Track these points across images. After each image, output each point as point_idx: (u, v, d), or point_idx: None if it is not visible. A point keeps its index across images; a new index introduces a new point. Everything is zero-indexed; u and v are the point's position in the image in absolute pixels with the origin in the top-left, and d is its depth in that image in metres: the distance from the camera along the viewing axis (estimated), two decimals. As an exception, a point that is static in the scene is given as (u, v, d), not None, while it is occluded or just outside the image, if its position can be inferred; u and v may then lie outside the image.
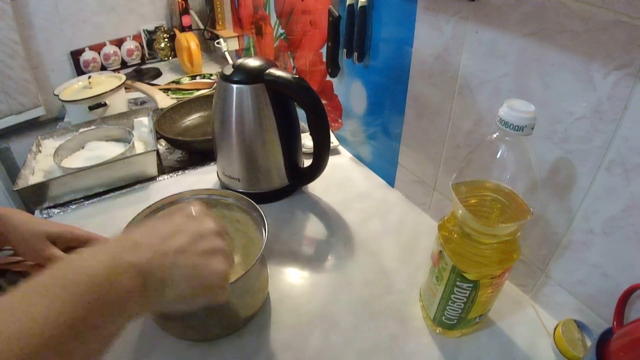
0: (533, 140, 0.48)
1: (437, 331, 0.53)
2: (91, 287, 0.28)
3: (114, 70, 1.41)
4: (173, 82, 1.30)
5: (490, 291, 0.46)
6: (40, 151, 0.88)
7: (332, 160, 0.76)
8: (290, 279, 0.62)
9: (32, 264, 0.52)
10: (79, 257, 0.31)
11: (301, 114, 0.69)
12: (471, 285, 0.45)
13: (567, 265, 0.51)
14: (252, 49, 1.27)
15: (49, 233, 0.50)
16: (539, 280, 0.55)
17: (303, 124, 0.78)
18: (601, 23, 0.38)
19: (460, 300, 0.47)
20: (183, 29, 1.47)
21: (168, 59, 1.54)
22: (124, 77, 1.08)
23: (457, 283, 0.45)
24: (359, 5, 0.69)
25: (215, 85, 1.24)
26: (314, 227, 0.72)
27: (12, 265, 0.52)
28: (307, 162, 0.75)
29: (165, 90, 1.23)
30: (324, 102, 0.88)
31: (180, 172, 0.87)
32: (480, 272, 0.44)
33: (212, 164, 0.89)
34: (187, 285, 0.34)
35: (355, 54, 0.74)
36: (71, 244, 0.53)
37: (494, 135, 0.40)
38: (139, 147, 0.88)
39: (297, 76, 0.65)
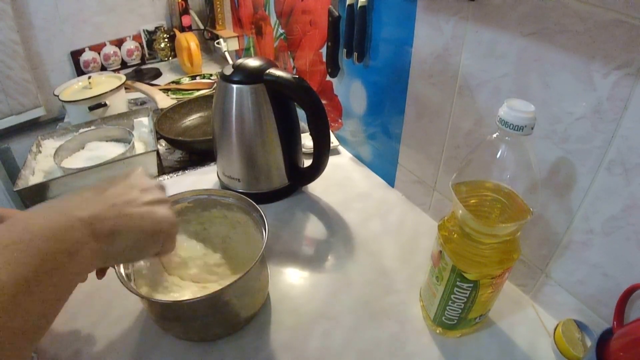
0: (533, 140, 0.48)
1: (437, 331, 0.53)
2: (40, 242, 0.29)
3: (114, 71, 1.41)
4: (173, 82, 1.30)
5: (490, 291, 0.46)
6: (40, 151, 0.88)
7: (332, 160, 0.76)
8: (291, 279, 0.62)
9: None
10: (27, 214, 0.33)
11: (301, 114, 0.69)
12: (471, 285, 0.45)
13: (567, 265, 0.51)
14: (252, 49, 1.27)
15: None
16: (539, 280, 0.55)
17: (303, 124, 0.78)
18: (601, 23, 0.38)
19: (460, 300, 0.47)
20: (183, 29, 1.47)
21: (168, 59, 1.54)
22: (124, 78, 1.08)
23: (457, 283, 0.45)
24: (359, 5, 0.69)
25: (215, 85, 1.24)
26: (314, 227, 0.72)
27: None
28: (307, 162, 0.75)
29: (165, 90, 1.23)
30: (323, 102, 0.88)
31: (180, 172, 0.87)
32: (480, 272, 0.44)
33: (212, 164, 0.89)
34: (136, 232, 0.36)
35: (355, 54, 0.74)
36: None
37: (494, 135, 0.40)
38: (139, 148, 0.88)
39: (297, 76, 0.65)
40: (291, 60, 1.04)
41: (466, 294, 0.46)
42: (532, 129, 0.37)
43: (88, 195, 0.37)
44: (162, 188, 0.42)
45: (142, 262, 0.54)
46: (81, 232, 0.32)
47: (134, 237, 0.36)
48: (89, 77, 1.06)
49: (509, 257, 0.44)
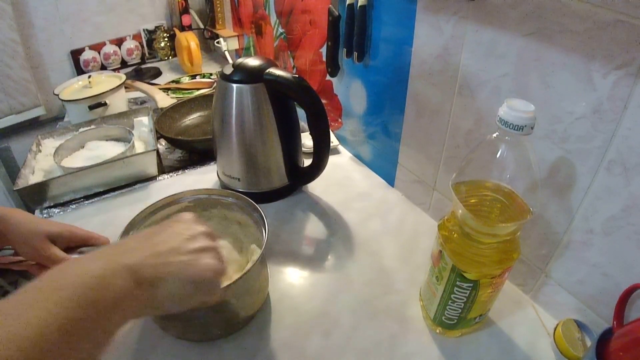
0: (533, 140, 0.48)
1: (437, 331, 0.53)
2: (85, 289, 0.29)
3: (114, 70, 1.41)
4: (173, 81, 1.30)
5: (490, 291, 0.46)
6: (40, 151, 0.88)
7: (332, 159, 0.76)
8: (290, 279, 0.62)
9: (33, 264, 0.52)
10: (75, 261, 0.32)
11: (301, 113, 0.69)
12: (471, 285, 0.45)
13: (567, 265, 0.51)
14: (252, 49, 1.27)
15: (48, 232, 0.51)
16: (539, 280, 0.55)
17: (303, 123, 0.78)
18: (601, 23, 0.38)
19: (460, 300, 0.47)
20: (183, 29, 1.47)
21: (168, 58, 1.54)
22: (123, 77, 1.08)
23: (457, 283, 0.45)
24: (359, 4, 0.69)
25: (215, 84, 1.24)
26: (314, 227, 0.72)
27: (13, 265, 0.52)
28: (307, 162, 0.75)
29: (165, 89, 1.23)
30: (323, 101, 0.88)
31: (180, 172, 0.87)
32: (480, 271, 0.44)
33: (212, 163, 0.89)
34: (179, 282, 0.36)
35: (355, 53, 0.74)
36: (71, 243, 0.53)
37: (494, 135, 0.40)
38: (139, 147, 0.88)
39: (297, 76, 0.65)
40: (291, 59, 1.04)
41: (466, 293, 0.46)
42: (532, 128, 0.37)
43: (135, 242, 0.37)
44: (210, 235, 0.42)
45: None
46: (125, 279, 0.32)
47: (176, 285, 0.36)
48: (89, 77, 1.06)
49: (509, 257, 0.44)
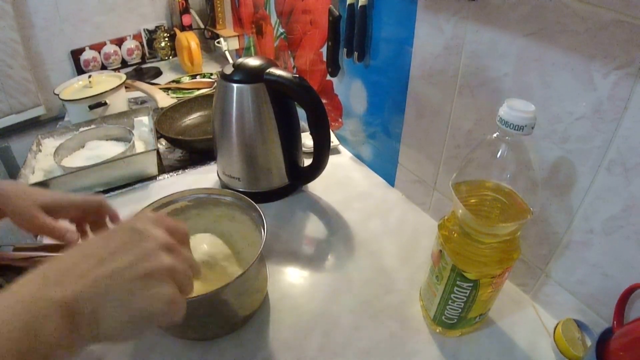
0: (533, 140, 0.48)
1: (437, 330, 0.53)
2: (10, 341, 0.24)
3: (114, 70, 1.41)
4: (173, 81, 1.30)
5: (490, 290, 0.46)
6: (40, 150, 0.88)
7: (332, 159, 0.76)
8: (290, 279, 0.62)
9: (33, 260, 0.52)
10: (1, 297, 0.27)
11: (301, 113, 0.69)
12: (471, 284, 0.45)
13: (567, 265, 0.51)
14: (252, 49, 1.27)
15: (42, 202, 0.48)
16: (539, 280, 0.55)
17: (303, 123, 0.78)
18: (601, 23, 0.38)
19: (460, 300, 0.47)
20: (183, 29, 1.47)
21: (168, 58, 1.54)
22: (124, 77, 1.08)
23: (457, 282, 0.45)
24: (359, 4, 0.69)
25: (215, 84, 1.24)
26: (314, 227, 0.72)
27: (16, 261, 0.52)
28: (307, 162, 0.75)
29: (166, 89, 1.23)
30: (324, 101, 0.88)
31: (180, 172, 0.87)
32: (480, 271, 0.44)
33: (212, 163, 0.89)
34: (123, 315, 0.29)
35: (356, 53, 0.74)
36: (72, 211, 0.51)
37: (494, 135, 0.40)
38: (139, 147, 0.88)
39: (298, 76, 0.65)
40: (291, 59, 1.04)
41: (466, 293, 0.46)
42: (533, 128, 0.37)
43: (73, 259, 0.30)
44: (169, 247, 0.33)
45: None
46: (57, 322, 0.26)
47: (119, 321, 0.29)
48: (89, 76, 1.06)
49: (509, 257, 0.44)
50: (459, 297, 0.46)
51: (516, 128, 0.37)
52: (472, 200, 0.43)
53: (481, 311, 0.49)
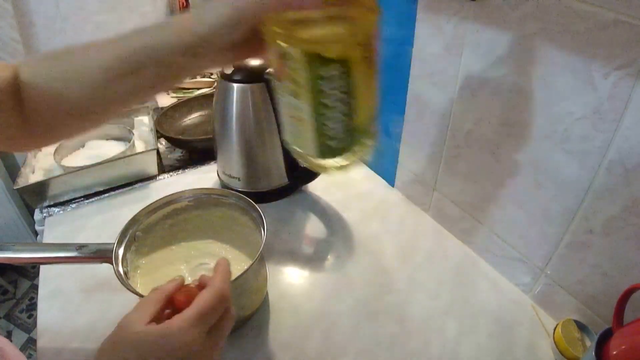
0: (534, 140, 0.48)
1: (329, 165, 0.39)
2: None
3: (115, 69, 1.41)
4: (173, 81, 1.29)
5: (366, 70, 0.35)
6: (40, 150, 0.88)
7: (332, 159, 0.76)
8: (290, 279, 0.62)
9: (35, 262, 0.52)
10: None
11: (301, 113, 0.69)
12: (339, 69, 0.33)
13: (567, 265, 0.51)
14: (252, 48, 1.27)
15: None
16: (539, 280, 0.55)
17: (303, 123, 0.78)
18: (601, 23, 0.38)
19: (334, 98, 0.34)
20: (184, 28, 1.47)
21: (168, 58, 1.53)
22: (124, 76, 1.08)
23: (321, 74, 0.33)
24: (360, 4, 0.68)
25: (215, 84, 1.24)
26: (313, 227, 0.72)
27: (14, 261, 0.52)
28: (307, 162, 0.75)
29: (166, 89, 1.23)
30: (324, 101, 0.88)
31: (180, 171, 0.87)
32: (342, 43, 0.32)
33: (212, 162, 0.89)
34: None
35: (356, 53, 0.74)
36: None
37: None
38: (139, 146, 0.88)
39: (298, 75, 0.65)
40: (292, 59, 1.03)
41: (339, 84, 0.34)
42: None
43: None
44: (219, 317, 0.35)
45: (141, 259, 0.54)
46: None
47: None
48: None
49: (372, 10, 0.34)
50: (332, 94, 0.34)
51: None
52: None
53: (371, 109, 0.37)
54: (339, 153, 0.38)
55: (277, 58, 0.34)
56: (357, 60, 0.33)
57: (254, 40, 0.35)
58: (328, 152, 0.38)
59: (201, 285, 0.38)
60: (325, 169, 0.39)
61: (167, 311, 0.36)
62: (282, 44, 0.33)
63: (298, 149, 0.40)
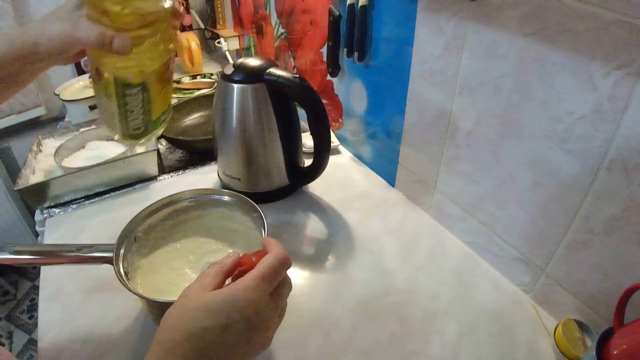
0: (534, 139, 0.48)
1: (134, 144, 0.53)
2: None
3: (115, 70, 1.41)
4: (173, 81, 1.30)
5: (161, 87, 0.47)
6: (40, 150, 0.88)
7: (332, 159, 0.76)
8: (290, 279, 0.62)
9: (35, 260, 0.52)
10: None
11: (301, 113, 0.69)
12: (139, 88, 0.44)
13: (567, 265, 0.51)
14: (252, 49, 1.27)
15: None
16: (539, 280, 0.55)
17: (303, 123, 0.78)
18: (601, 23, 0.38)
19: (137, 107, 0.46)
20: (183, 29, 1.47)
21: (168, 58, 1.53)
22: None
23: (126, 92, 0.44)
24: (360, 4, 0.69)
25: (215, 84, 1.24)
26: (314, 227, 0.72)
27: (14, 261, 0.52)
28: (307, 162, 0.75)
29: (166, 89, 1.23)
30: (324, 101, 0.88)
31: (180, 172, 0.87)
32: (142, 72, 0.43)
33: (213, 163, 0.89)
34: None
35: (356, 53, 0.74)
36: None
37: None
38: (140, 147, 0.88)
39: (298, 76, 0.65)
40: (292, 59, 1.04)
41: (139, 98, 0.45)
42: None
43: (193, 353, 0.32)
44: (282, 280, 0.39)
45: (142, 260, 0.55)
46: None
47: None
48: (90, 77, 1.06)
49: (166, 49, 0.44)
50: (135, 104, 0.46)
51: None
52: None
53: (163, 109, 0.50)
54: (138, 138, 0.51)
55: (95, 72, 0.45)
56: (153, 81, 0.45)
57: (82, 53, 0.44)
58: (130, 137, 0.50)
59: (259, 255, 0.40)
60: (128, 145, 0.53)
61: (228, 282, 0.38)
62: (100, 67, 0.44)
63: (112, 130, 0.51)
